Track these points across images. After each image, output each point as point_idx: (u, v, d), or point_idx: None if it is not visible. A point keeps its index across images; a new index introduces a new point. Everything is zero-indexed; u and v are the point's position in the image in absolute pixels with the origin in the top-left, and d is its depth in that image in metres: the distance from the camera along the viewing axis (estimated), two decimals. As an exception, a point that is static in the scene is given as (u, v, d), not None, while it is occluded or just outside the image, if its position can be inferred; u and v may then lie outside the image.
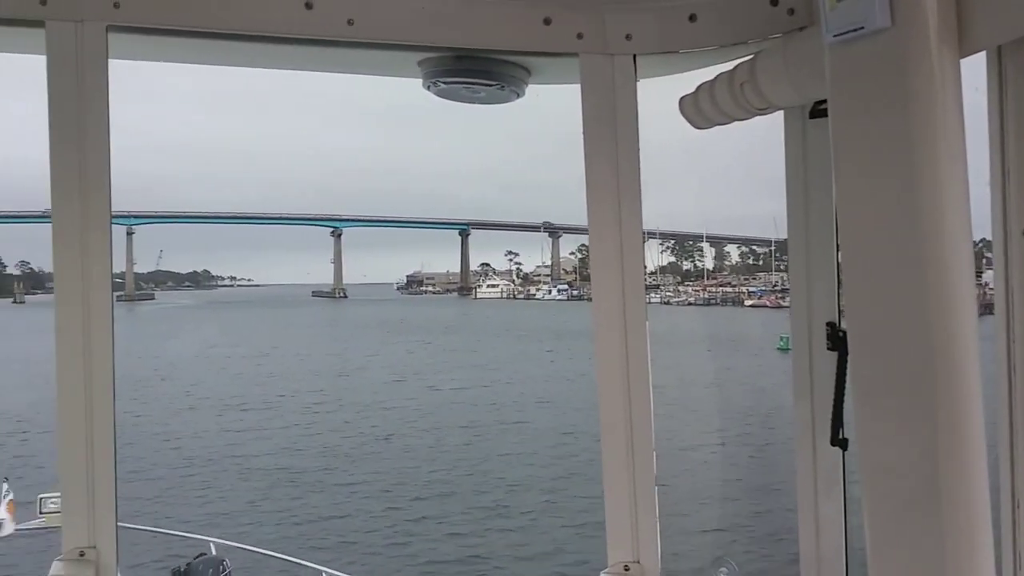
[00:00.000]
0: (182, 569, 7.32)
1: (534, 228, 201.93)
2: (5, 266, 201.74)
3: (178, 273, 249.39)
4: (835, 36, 2.00)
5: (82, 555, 2.35)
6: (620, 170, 2.65)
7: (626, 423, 2.69)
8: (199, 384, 42.40)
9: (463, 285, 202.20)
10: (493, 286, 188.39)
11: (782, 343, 37.17)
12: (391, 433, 30.16)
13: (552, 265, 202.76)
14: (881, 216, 1.96)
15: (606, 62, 2.61)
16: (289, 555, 8.69)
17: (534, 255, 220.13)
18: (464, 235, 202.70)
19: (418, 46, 2.53)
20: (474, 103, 2.78)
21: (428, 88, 2.68)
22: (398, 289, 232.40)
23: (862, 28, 1.92)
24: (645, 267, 2.81)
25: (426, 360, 53.39)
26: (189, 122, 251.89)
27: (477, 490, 22.51)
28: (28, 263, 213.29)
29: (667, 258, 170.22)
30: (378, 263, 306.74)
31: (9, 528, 7.67)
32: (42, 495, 6.91)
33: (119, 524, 2.45)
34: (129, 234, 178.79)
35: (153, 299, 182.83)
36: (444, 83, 2.64)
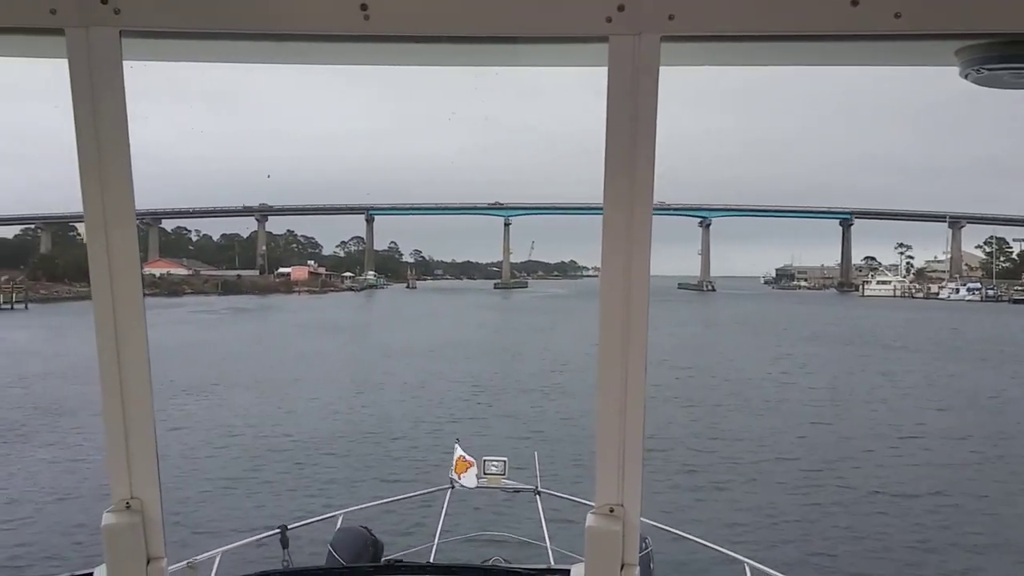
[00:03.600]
0: None
1: (930, 218, 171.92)
2: (401, 254, 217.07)
3: (547, 263, 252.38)
4: None
5: (611, 511, 2.57)
6: None
7: None
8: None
9: (844, 280, 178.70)
10: (884, 282, 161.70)
11: None
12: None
13: (952, 260, 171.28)
14: None
15: None
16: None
17: (927, 249, 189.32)
18: (846, 225, 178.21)
19: (962, 34, 2.35)
20: (1018, 88, 2.52)
21: (966, 76, 2.45)
22: (765, 283, 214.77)
23: None
24: None
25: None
26: (568, 117, 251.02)
27: None
28: (420, 252, 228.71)
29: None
30: (743, 255, 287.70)
31: (471, 482, 7.63)
32: (485, 457, 7.53)
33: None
34: (506, 225, 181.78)
35: (526, 287, 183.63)
36: (987, 70, 2.41)
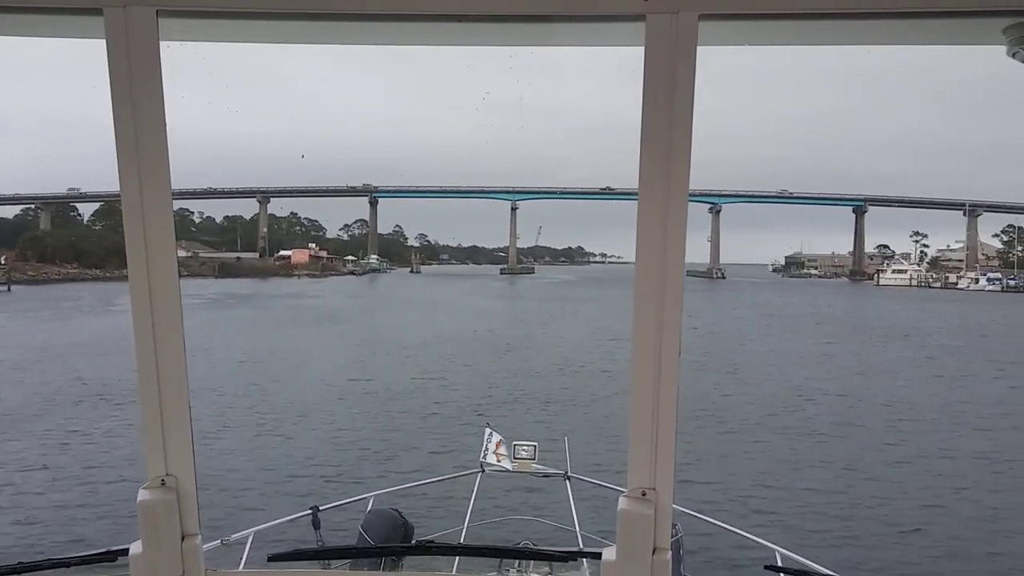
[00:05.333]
0: None
1: (946, 206, 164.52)
2: (406, 238, 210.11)
3: (554, 248, 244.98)
4: None
5: (643, 495, 2.51)
6: None
7: None
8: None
9: (856, 269, 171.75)
10: (900, 271, 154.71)
11: None
12: None
13: (969, 249, 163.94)
14: None
15: None
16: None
17: (942, 237, 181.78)
18: (859, 213, 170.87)
19: (1012, 11, 2.27)
20: None
21: (1014, 56, 2.37)
22: (774, 271, 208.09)
23: None
24: None
25: None
26: (583, 100, 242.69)
27: None
28: (426, 235, 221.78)
29: None
30: (751, 242, 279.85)
31: (507, 465, 7.45)
32: (515, 442, 7.37)
33: None
34: (513, 209, 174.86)
35: (533, 272, 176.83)
36: None
